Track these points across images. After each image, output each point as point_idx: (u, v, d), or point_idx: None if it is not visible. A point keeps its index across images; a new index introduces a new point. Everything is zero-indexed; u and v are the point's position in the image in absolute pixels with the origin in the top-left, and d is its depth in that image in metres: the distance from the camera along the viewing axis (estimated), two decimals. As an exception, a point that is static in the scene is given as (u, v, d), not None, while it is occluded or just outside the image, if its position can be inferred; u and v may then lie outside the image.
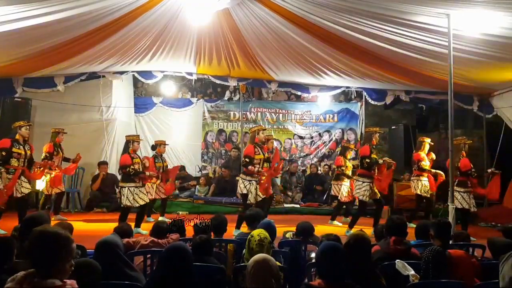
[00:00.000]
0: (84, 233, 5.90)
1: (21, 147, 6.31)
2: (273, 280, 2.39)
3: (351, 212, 7.54)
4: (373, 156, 6.63)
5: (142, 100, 10.80)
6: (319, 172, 10.33)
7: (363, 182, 6.58)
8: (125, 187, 6.22)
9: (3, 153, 6.09)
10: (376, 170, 6.59)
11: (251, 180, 6.32)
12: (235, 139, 11.03)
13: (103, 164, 8.82)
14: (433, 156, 7.60)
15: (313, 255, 3.42)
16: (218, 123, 11.09)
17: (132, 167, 6.20)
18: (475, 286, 2.79)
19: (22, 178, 6.25)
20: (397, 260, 2.95)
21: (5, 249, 2.60)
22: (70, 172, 7.89)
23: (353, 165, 7.71)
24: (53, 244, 1.92)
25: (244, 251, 3.19)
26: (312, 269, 3.11)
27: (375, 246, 3.53)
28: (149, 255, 3.36)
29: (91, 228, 6.68)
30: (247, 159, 6.32)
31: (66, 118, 8.64)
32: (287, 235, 4.64)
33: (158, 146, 7.53)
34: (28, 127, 6.48)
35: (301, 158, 11.02)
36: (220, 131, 11.09)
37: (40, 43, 6.18)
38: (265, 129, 6.97)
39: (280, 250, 3.57)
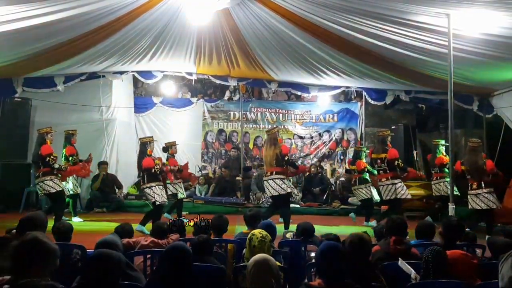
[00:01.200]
0: (84, 233, 5.90)
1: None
2: (273, 280, 2.39)
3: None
4: None
5: (142, 100, 10.80)
6: (323, 173, 10.33)
7: (400, 181, 6.81)
8: (154, 186, 6.38)
9: (52, 157, 6.43)
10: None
11: (285, 179, 6.48)
12: (235, 139, 11.03)
13: (103, 164, 8.82)
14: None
15: (313, 255, 3.42)
16: (218, 123, 11.10)
17: (156, 167, 6.43)
18: (475, 286, 2.78)
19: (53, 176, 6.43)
20: (400, 259, 2.95)
21: (5, 248, 2.60)
22: (88, 174, 7.93)
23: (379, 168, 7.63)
24: (35, 252, 1.99)
25: (244, 250, 3.19)
26: (312, 269, 3.11)
27: (375, 246, 3.53)
28: (149, 255, 3.36)
29: (91, 228, 6.68)
30: (287, 158, 6.54)
31: (66, 118, 8.64)
32: (287, 235, 4.64)
33: (170, 147, 7.59)
34: (53, 133, 6.76)
35: (301, 158, 11.01)
36: (220, 131, 11.09)
37: (40, 43, 6.18)
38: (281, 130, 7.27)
39: (280, 250, 3.57)
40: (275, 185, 6.46)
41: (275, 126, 10.98)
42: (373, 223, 7.44)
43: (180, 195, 7.45)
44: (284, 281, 2.82)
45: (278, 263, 2.65)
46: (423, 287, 2.78)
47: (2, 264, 2.52)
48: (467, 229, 4.78)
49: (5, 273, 2.25)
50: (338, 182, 10.22)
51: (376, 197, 7.59)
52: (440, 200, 7.50)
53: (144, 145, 6.58)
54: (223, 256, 3.55)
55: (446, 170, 7.21)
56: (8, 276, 2.05)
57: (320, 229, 6.73)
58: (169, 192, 7.34)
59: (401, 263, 2.90)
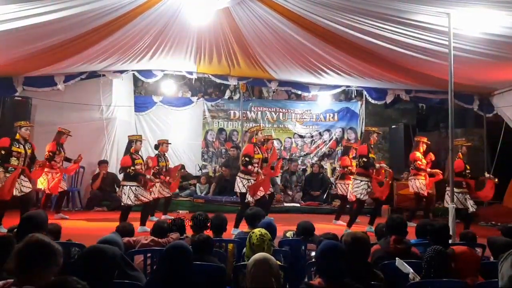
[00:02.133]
0: (84, 232, 5.91)
1: (21, 146, 6.29)
2: (273, 279, 2.39)
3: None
4: (371, 155, 6.66)
5: (142, 99, 10.80)
6: (324, 172, 10.33)
7: (361, 181, 6.64)
8: (126, 186, 6.25)
9: (2, 152, 6.08)
10: (374, 171, 6.62)
11: (249, 179, 6.33)
12: (235, 138, 11.03)
13: (103, 163, 8.83)
14: (432, 157, 7.62)
15: (313, 254, 3.42)
16: (218, 122, 11.09)
17: (132, 168, 6.22)
18: (475, 286, 2.79)
19: (22, 177, 6.24)
20: (397, 258, 2.95)
21: (4, 248, 2.61)
22: (70, 172, 7.93)
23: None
24: (39, 254, 1.97)
25: (244, 249, 3.19)
26: (312, 268, 3.11)
27: (375, 245, 3.53)
28: (149, 254, 3.37)
29: (91, 227, 6.69)
30: (246, 158, 6.33)
31: (66, 117, 8.64)
32: (288, 234, 4.64)
33: (161, 145, 7.56)
34: (28, 128, 6.48)
35: (301, 157, 11.02)
36: (220, 130, 11.09)
37: (40, 42, 6.17)
38: (263, 129, 7.01)
39: (280, 249, 3.58)
40: (237, 183, 6.47)
41: (275, 125, 11.05)
42: (341, 222, 7.46)
43: (153, 195, 7.04)
44: (284, 280, 2.82)
45: (278, 262, 2.65)
46: (423, 286, 2.79)
47: (4, 263, 2.53)
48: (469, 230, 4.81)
49: (9, 275, 2.27)
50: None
51: (350, 196, 7.58)
52: (416, 198, 7.50)
53: (129, 143, 6.49)
54: (223, 255, 3.56)
55: (422, 168, 7.26)
56: (11, 279, 2.05)
57: (320, 228, 6.77)
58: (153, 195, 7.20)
59: (399, 262, 2.90)
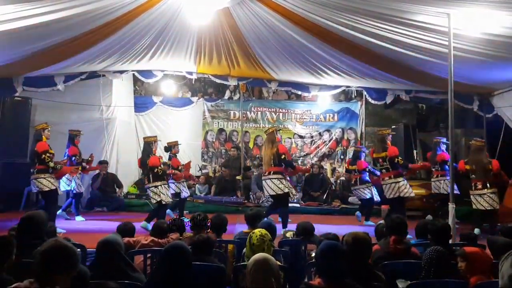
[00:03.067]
0: (84, 232, 5.91)
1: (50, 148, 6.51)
2: (273, 280, 2.39)
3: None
4: None
5: (142, 99, 10.81)
6: (324, 173, 10.34)
7: (403, 180, 6.74)
8: (161, 185, 6.49)
9: (48, 155, 6.30)
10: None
11: (282, 178, 6.50)
12: (235, 139, 11.03)
13: (103, 163, 8.82)
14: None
15: (313, 254, 3.42)
16: (218, 123, 11.10)
17: (160, 167, 6.55)
18: (475, 286, 2.79)
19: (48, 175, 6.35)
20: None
21: (4, 248, 2.61)
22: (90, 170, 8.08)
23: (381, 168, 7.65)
24: (62, 258, 2.04)
25: (244, 249, 3.19)
26: (312, 268, 3.11)
27: (375, 245, 3.53)
28: (149, 255, 3.37)
29: (91, 227, 6.68)
30: (286, 158, 6.48)
31: (66, 117, 8.65)
32: (287, 235, 4.64)
33: (173, 147, 7.65)
34: (49, 129, 6.65)
35: (301, 158, 11.02)
36: (220, 131, 11.10)
37: (40, 42, 6.17)
38: (279, 129, 7.23)
39: (280, 250, 3.57)
40: (273, 185, 6.47)
41: (274, 125, 11.05)
42: (371, 222, 7.49)
43: (184, 194, 7.55)
44: (284, 280, 2.82)
45: (278, 263, 2.65)
46: (423, 286, 2.79)
47: (4, 263, 2.53)
48: (475, 230, 4.81)
49: (8, 275, 2.28)
50: (338, 181, 10.23)
51: (377, 197, 7.60)
52: (439, 199, 7.52)
53: (149, 145, 6.67)
54: (223, 255, 3.56)
55: (447, 168, 7.23)
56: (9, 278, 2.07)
57: (320, 229, 6.77)
58: (172, 191, 7.38)
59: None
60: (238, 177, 9.90)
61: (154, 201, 6.58)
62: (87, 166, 7.66)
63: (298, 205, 9.22)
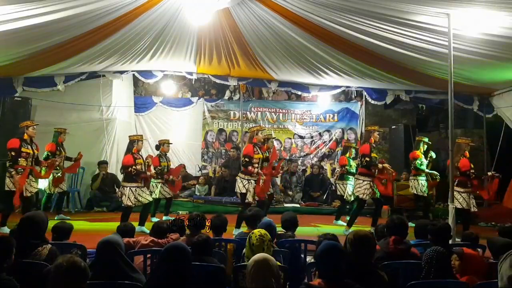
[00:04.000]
0: (84, 232, 5.90)
1: (29, 146, 6.34)
2: (273, 280, 2.39)
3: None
4: (373, 155, 6.65)
5: (142, 99, 10.80)
6: (324, 173, 10.34)
7: (363, 180, 6.63)
8: (126, 187, 6.25)
9: (13, 153, 6.13)
10: (376, 170, 6.61)
11: (249, 180, 6.32)
12: (235, 139, 11.03)
13: (103, 163, 8.82)
14: (432, 154, 7.64)
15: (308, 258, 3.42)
16: (218, 123, 11.09)
17: (134, 167, 6.22)
18: (474, 286, 2.79)
19: (30, 177, 6.28)
20: None
21: (4, 248, 2.61)
22: (73, 171, 7.93)
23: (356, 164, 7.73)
24: (76, 274, 2.13)
25: (244, 250, 3.20)
26: (312, 269, 3.11)
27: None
28: (149, 255, 3.37)
29: (91, 228, 6.69)
30: (246, 159, 6.32)
31: (66, 117, 8.64)
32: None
33: (162, 145, 7.57)
34: (35, 127, 6.50)
35: (301, 158, 11.02)
36: (220, 131, 11.09)
37: (40, 42, 6.18)
38: (264, 129, 7.00)
39: (280, 250, 3.58)
40: (237, 183, 6.48)
41: (275, 125, 11.05)
42: (342, 222, 7.44)
43: (153, 195, 7.14)
44: (284, 280, 2.82)
45: (278, 263, 2.65)
46: (424, 286, 2.79)
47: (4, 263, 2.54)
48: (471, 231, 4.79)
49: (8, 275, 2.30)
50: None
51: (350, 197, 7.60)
52: (416, 199, 7.52)
53: (131, 143, 6.48)
54: (223, 255, 3.56)
55: (422, 168, 7.30)
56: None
57: (320, 229, 6.77)
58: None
59: None
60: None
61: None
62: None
63: (298, 205, 9.22)
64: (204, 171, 10.62)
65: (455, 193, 6.15)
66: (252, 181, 6.32)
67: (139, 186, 6.31)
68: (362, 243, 2.67)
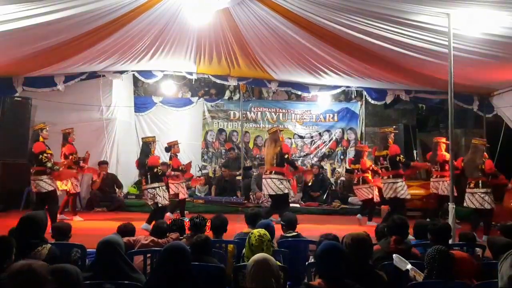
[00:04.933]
0: (84, 232, 5.89)
1: (48, 148, 6.50)
2: (273, 280, 2.39)
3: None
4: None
5: (142, 99, 10.81)
6: (324, 173, 10.34)
7: (401, 181, 6.71)
8: (158, 187, 6.43)
9: (45, 155, 6.28)
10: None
11: (283, 179, 6.41)
12: (235, 139, 11.04)
13: (103, 163, 8.83)
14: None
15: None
16: (218, 123, 11.10)
17: (160, 167, 6.49)
18: (475, 286, 2.79)
19: (45, 176, 6.34)
20: (394, 255, 2.94)
21: (4, 248, 2.61)
22: (91, 172, 8.15)
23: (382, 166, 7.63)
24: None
25: (244, 250, 3.20)
26: (312, 269, 3.11)
27: (375, 245, 3.53)
28: (149, 255, 3.37)
29: (91, 228, 6.68)
30: (288, 157, 6.43)
31: (66, 117, 8.63)
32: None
33: (173, 146, 7.62)
34: (47, 128, 6.64)
35: (301, 158, 11.01)
36: (220, 131, 11.10)
37: (40, 42, 6.17)
38: (282, 130, 7.21)
39: (279, 250, 3.58)
40: (273, 185, 6.46)
41: (276, 125, 11.05)
42: (374, 223, 7.46)
43: (181, 195, 7.47)
44: (284, 280, 2.82)
45: (278, 263, 2.65)
46: (424, 287, 2.78)
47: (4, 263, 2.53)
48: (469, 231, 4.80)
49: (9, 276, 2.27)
50: (338, 182, 10.23)
51: (377, 197, 7.60)
52: (438, 199, 7.51)
53: (147, 145, 6.63)
54: (223, 255, 3.56)
55: (447, 168, 7.22)
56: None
57: (320, 229, 6.77)
58: (171, 192, 7.37)
59: (396, 259, 2.89)
60: (238, 177, 9.90)
61: (150, 203, 6.53)
62: (85, 165, 7.58)
63: (298, 205, 9.21)
64: (204, 171, 10.62)
65: (483, 195, 6.24)
66: (285, 181, 6.43)
67: (164, 185, 6.61)
68: (358, 245, 2.67)
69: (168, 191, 7.28)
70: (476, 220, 6.58)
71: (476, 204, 6.27)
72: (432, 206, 7.75)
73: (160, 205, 6.41)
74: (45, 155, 6.29)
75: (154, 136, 7.07)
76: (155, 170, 6.39)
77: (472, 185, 6.39)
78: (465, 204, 6.49)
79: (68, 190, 7.29)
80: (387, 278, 2.78)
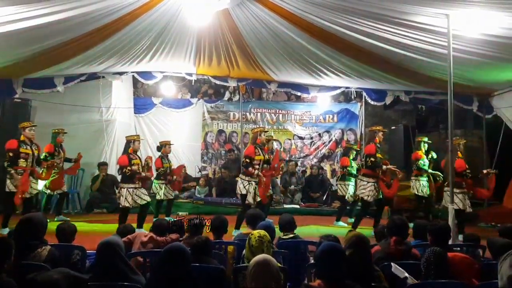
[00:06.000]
0: (84, 234, 5.89)
1: (28, 147, 6.32)
2: (274, 281, 2.38)
3: (354, 212, 7.59)
4: (378, 155, 6.60)
5: (142, 100, 10.80)
6: (324, 174, 10.34)
7: (368, 182, 6.53)
8: (124, 188, 6.23)
9: (10, 154, 6.13)
10: (380, 171, 6.57)
11: (250, 181, 6.32)
12: (235, 140, 11.03)
13: (103, 165, 8.82)
14: (433, 155, 7.64)
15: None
16: (218, 124, 11.10)
17: (129, 168, 6.20)
18: (475, 287, 2.79)
19: (31, 178, 6.27)
20: (392, 264, 2.94)
21: (3, 249, 2.60)
22: (73, 172, 7.92)
23: (357, 165, 7.72)
24: None
25: (244, 251, 3.19)
26: (312, 270, 3.10)
27: (375, 246, 3.53)
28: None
29: (91, 229, 6.68)
30: (247, 160, 6.32)
31: (66, 119, 8.63)
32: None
33: (164, 146, 7.55)
34: (32, 128, 6.49)
35: (301, 159, 11.01)
36: (220, 132, 11.09)
37: (40, 44, 6.18)
38: (266, 131, 7.00)
39: (279, 251, 3.57)
40: (238, 185, 6.49)
41: (275, 126, 11.06)
42: (342, 223, 7.43)
43: (157, 197, 7.28)
44: (284, 281, 2.82)
45: (278, 264, 2.65)
46: (423, 287, 2.79)
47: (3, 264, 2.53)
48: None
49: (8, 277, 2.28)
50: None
51: (351, 198, 7.60)
52: (417, 199, 7.53)
53: (128, 143, 6.48)
54: (223, 257, 3.56)
55: (425, 168, 7.30)
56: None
57: (320, 230, 6.77)
58: (151, 191, 7.28)
59: (394, 268, 2.89)
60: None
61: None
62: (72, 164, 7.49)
63: (297, 206, 9.22)
64: (204, 172, 10.62)
65: (458, 195, 6.24)
66: (253, 182, 6.31)
67: (136, 187, 6.28)
68: (358, 245, 2.67)
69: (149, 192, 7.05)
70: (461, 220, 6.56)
71: (459, 204, 6.27)
72: (420, 207, 7.74)
73: (120, 206, 6.23)
74: (10, 153, 6.11)
75: (138, 135, 6.93)
76: (124, 170, 6.21)
77: (446, 184, 6.41)
78: (442, 203, 6.59)
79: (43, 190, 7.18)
80: (387, 278, 2.78)
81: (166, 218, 7.28)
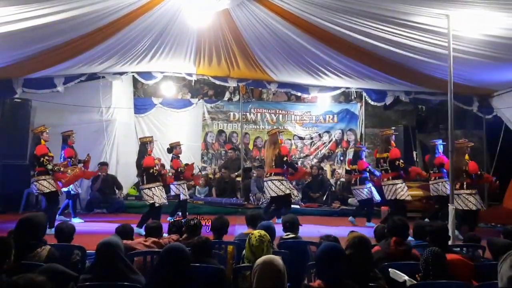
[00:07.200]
0: (84, 234, 5.89)
1: (49, 151, 6.56)
2: (279, 282, 2.37)
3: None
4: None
5: (142, 100, 10.81)
6: (324, 174, 10.33)
7: (402, 182, 6.74)
8: (154, 187, 6.40)
9: (46, 158, 6.35)
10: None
11: (283, 180, 6.43)
12: (235, 140, 11.03)
13: (103, 165, 8.82)
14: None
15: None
16: (218, 124, 11.10)
17: (155, 168, 6.45)
18: (475, 287, 2.78)
19: (48, 177, 6.40)
20: (390, 269, 2.94)
21: (3, 249, 2.60)
22: (89, 177, 8.08)
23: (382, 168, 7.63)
24: None
25: (244, 251, 3.19)
26: (312, 270, 3.10)
27: (375, 246, 3.53)
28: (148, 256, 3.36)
29: (91, 229, 6.67)
30: (287, 159, 6.43)
31: (66, 119, 8.63)
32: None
33: (175, 147, 7.60)
34: (48, 131, 6.67)
35: (301, 159, 11.01)
36: (220, 132, 11.10)
37: (40, 44, 6.18)
38: (282, 131, 7.20)
39: (280, 251, 3.57)
40: (274, 186, 6.46)
41: (275, 127, 11.04)
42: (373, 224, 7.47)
43: (182, 196, 7.44)
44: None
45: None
46: (423, 287, 2.79)
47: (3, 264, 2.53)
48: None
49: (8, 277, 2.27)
50: (338, 183, 10.23)
51: (377, 197, 7.60)
52: (439, 201, 7.52)
53: (144, 145, 6.63)
54: (223, 257, 3.55)
55: (444, 170, 7.26)
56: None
57: (320, 230, 6.76)
58: (172, 193, 7.36)
59: (392, 273, 2.89)
60: (238, 179, 9.89)
61: (148, 203, 6.51)
62: (84, 168, 7.56)
63: (298, 206, 9.21)
64: (204, 172, 10.62)
65: (467, 195, 6.31)
66: (286, 181, 6.44)
67: (161, 185, 6.55)
68: (359, 245, 2.67)
69: (169, 192, 7.30)
70: (458, 221, 6.57)
71: (461, 205, 6.33)
72: (431, 208, 7.75)
73: (156, 204, 6.39)
74: (46, 157, 6.36)
75: (152, 136, 7.04)
76: (151, 170, 6.38)
77: (457, 186, 6.42)
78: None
79: (69, 190, 7.27)
80: (387, 279, 2.78)
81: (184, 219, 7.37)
